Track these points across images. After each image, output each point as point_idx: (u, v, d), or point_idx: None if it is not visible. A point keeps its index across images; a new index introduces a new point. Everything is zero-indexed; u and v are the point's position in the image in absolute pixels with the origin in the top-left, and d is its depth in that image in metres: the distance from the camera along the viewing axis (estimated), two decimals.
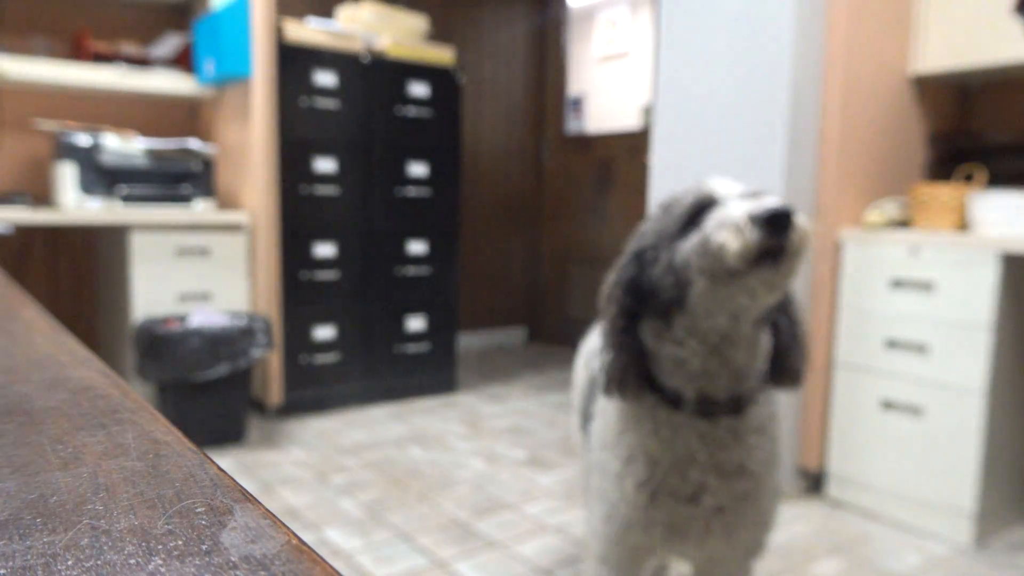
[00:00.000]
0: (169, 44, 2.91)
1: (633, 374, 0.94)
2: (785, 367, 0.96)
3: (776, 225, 0.78)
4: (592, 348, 1.17)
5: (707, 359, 0.90)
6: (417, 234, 3.06)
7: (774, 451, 0.99)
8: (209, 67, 2.74)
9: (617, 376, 0.95)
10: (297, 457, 2.40)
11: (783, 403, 2.12)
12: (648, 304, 0.92)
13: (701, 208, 0.87)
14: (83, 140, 2.45)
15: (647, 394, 0.96)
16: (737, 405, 0.93)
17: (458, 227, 3.17)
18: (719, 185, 0.89)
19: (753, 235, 0.78)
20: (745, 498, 0.96)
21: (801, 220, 0.81)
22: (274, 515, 0.27)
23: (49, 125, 2.58)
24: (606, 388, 0.96)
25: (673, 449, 0.94)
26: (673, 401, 0.94)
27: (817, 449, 2.17)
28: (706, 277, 0.83)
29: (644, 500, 0.97)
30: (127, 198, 2.52)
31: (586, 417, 1.18)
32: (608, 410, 1.04)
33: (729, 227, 0.79)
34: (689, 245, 0.84)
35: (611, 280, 0.97)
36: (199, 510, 0.27)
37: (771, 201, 0.80)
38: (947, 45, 2.10)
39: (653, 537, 0.99)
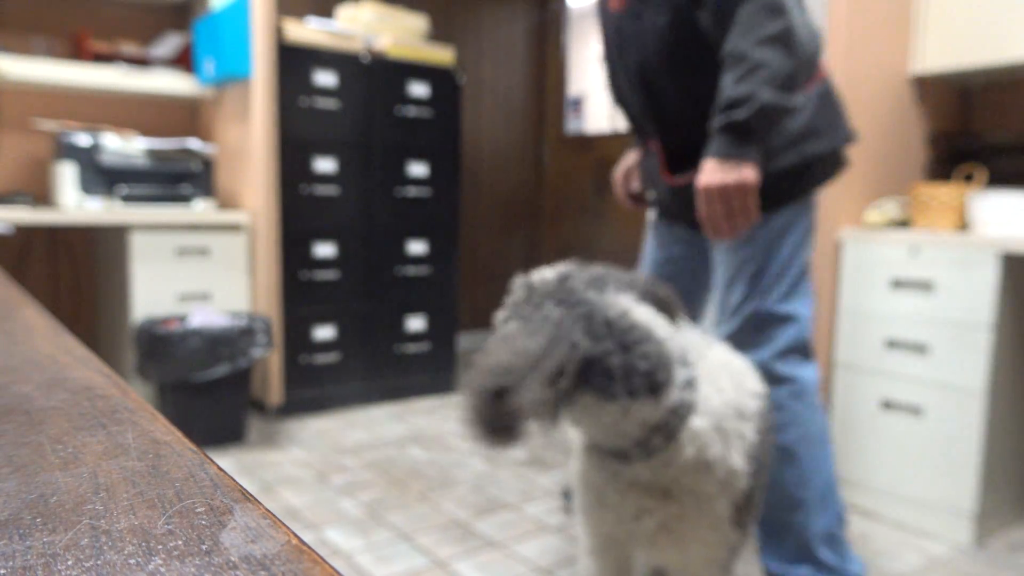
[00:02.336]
0: (169, 44, 2.91)
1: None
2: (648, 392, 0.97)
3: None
4: None
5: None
6: (417, 234, 3.06)
7: (709, 485, 1.00)
8: (209, 67, 2.74)
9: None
10: (297, 457, 2.40)
11: None
12: None
13: None
14: (83, 140, 2.45)
15: None
16: (647, 451, 0.97)
17: (458, 227, 3.17)
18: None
19: None
20: (681, 519, 1.01)
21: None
22: (274, 515, 0.27)
23: (49, 125, 2.58)
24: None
25: (599, 475, 1.04)
26: None
27: None
28: None
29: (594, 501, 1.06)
30: (127, 198, 2.52)
31: None
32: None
33: None
34: None
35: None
36: (199, 510, 0.27)
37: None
38: (947, 45, 2.10)
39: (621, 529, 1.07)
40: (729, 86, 1.21)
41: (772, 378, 1.45)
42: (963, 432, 1.85)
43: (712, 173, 1.20)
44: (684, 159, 1.45)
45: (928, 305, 1.91)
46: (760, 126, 1.19)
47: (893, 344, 1.98)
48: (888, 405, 2.00)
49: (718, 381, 1.00)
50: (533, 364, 0.82)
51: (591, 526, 1.09)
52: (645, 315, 0.92)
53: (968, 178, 2.19)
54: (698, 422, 0.96)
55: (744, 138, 1.19)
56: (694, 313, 1.68)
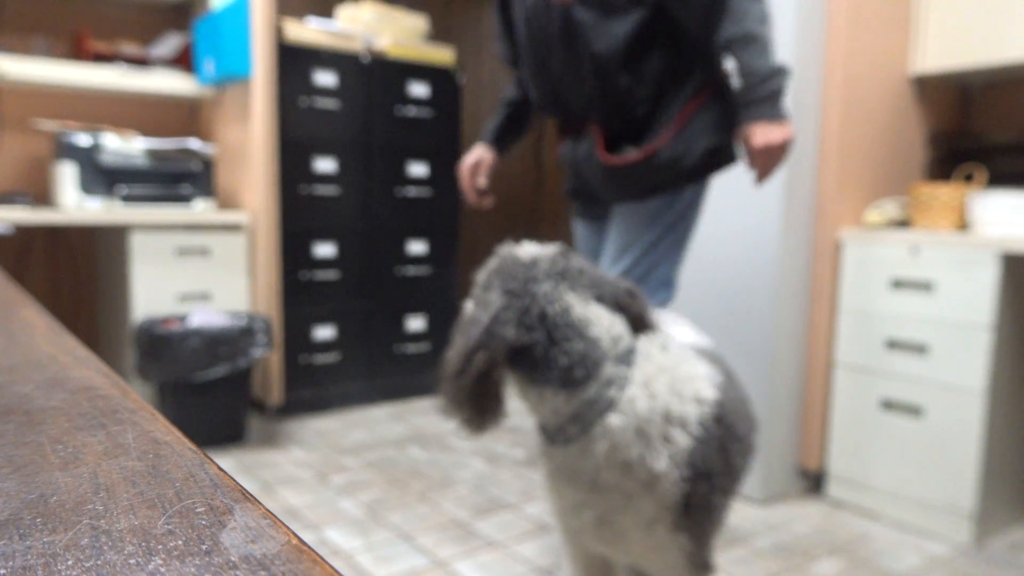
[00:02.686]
0: (169, 44, 2.91)
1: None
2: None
3: None
4: None
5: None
6: (417, 234, 3.06)
7: (629, 483, 1.04)
8: (209, 67, 2.74)
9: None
10: (297, 457, 2.40)
11: (785, 402, 2.12)
12: None
13: None
14: (83, 140, 2.45)
15: None
16: (564, 437, 1.05)
17: (458, 227, 3.17)
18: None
19: None
20: (614, 513, 1.05)
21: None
22: (274, 515, 0.27)
23: (49, 125, 2.58)
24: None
25: (539, 455, 1.14)
26: None
27: (817, 449, 2.17)
28: None
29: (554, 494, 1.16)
30: (127, 198, 2.52)
31: None
32: None
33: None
34: None
35: None
36: (199, 510, 0.27)
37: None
38: (947, 45, 2.10)
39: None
40: (753, 62, 1.38)
41: None
42: (963, 432, 1.85)
43: (767, 133, 1.41)
44: (621, 140, 1.55)
45: (928, 305, 1.91)
46: (786, 89, 1.41)
47: (893, 344, 1.98)
48: (888, 405, 2.00)
49: (652, 385, 1.02)
50: (460, 365, 0.97)
51: (555, 514, 1.17)
52: (590, 314, 0.99)
53: (968, 178, 2.19)
54: (614, 419, 1.00)
55: (779, 101, 1.40)
56: None
